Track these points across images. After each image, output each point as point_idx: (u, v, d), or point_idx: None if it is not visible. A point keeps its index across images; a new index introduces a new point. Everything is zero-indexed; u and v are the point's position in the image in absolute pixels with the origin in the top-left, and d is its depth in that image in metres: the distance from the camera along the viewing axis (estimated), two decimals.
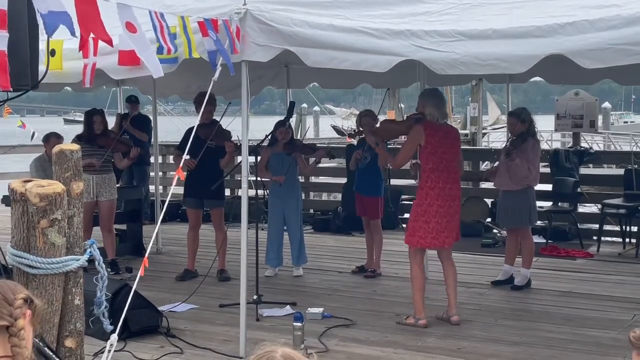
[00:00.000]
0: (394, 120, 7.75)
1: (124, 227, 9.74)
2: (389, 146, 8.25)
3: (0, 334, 2.24)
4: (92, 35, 4.63)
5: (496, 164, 8.12)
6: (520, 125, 7.71)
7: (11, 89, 3.92)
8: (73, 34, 4.33)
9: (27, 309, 2.29)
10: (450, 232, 6.46)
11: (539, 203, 9.60)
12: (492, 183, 8.34)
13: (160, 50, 5.45)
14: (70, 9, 4.22)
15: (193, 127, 6.67)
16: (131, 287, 5.11)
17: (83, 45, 5.44)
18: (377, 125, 7.93)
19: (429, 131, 6.39)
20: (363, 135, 8.21)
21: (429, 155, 6.39)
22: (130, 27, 4.79)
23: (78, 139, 8.38)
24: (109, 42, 4.75)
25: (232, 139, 8.00)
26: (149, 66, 5.10)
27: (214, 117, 8.15)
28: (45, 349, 2.70)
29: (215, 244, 8.30)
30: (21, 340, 2.24)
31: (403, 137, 7.65)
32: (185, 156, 5.53)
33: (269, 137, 8.16)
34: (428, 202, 6.37)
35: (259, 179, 7.22)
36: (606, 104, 29.74)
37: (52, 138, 8.47)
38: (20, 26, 3.91)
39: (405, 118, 7.43)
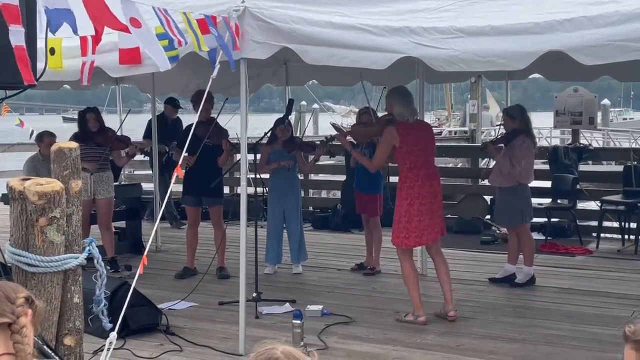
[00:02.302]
0: (365, 123, 7.72)
1: (123, 225, 9.74)
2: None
3: (2, 331, 2.26)
4: (106, 28, 4.62)
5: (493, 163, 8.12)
6: (511, 122, 7.69)
7: (35, 83, 3.92)
8: (75, 32, 4.33)
9: (28, 308, 2.32)
10: (433, 228, 6.43)
11: (538, 200, 9.59)
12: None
13: (171, 44, 5.42)
14: (73, 7, 4.21)
15: (191, 125, 6.65)
16: (130, 285, 5.11)
17: (98, 40, 5.43)
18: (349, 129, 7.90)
19: (402, 131, 6.35)
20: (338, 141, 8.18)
21: (405, 154, 6.36)
22: (135, 22, 4.78)
23: (75, 137, 8.28)
24: (125, 29, 4.73)
25: (231, 137, 8.00)
26: (156, 59, 5.08)
27: (211, 115, 8.14)
28: (45, 347, 2.71)
29: (214, 242, 8.30)
30: (23, 337, 2.26)
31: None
32: (184, 154, 5.52)
33: (268, 134, 8.16)
34: (409, 202, 6.34)
35: (258, 176, 7.21)
36: (605, 101, 29.72)
37: (46, 137, 8.42)
38: None
39: (375, 120, 7.41)
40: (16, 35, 3.66)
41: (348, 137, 7.50)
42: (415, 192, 6.33)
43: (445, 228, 6.72)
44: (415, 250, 7.12)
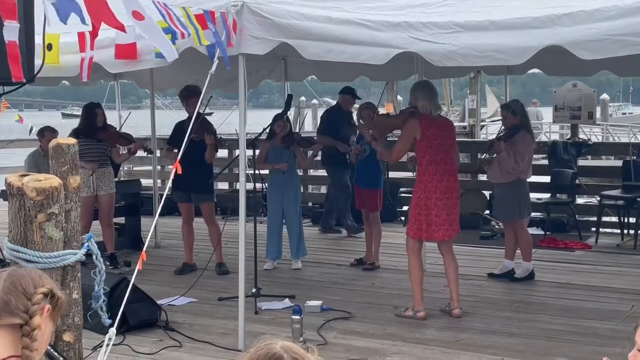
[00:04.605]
0: (388, 114, 7.72)
1: (122, 220, 9.73)
2: (387, 139, 8.23)
3: (14, 331, 2.13)
4: (103, 23, 4.63)
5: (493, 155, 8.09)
6: (512, 118, 7.68)
7: (24, 80, 3.91)
8: (83, 21, 4.34)
9: (46, 303, 2.17)
10: (450, 225, 6.45)
11: (537, 195, 9.58)
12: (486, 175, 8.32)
13: (174, 37, 5.40)
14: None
15: (181, 122, 6.58)
16: (129, 281, 5.10)
17: (94, 35, 5.42)
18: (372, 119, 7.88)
19: (424, 124, 6.37)
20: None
21: (426, 148, 6.38)
22: (138, 15, 4.76)
23: (76, 133, 8.25)
24: (121, 27, 4.72)
25: (230, 132, 7.97)
26: (163, 51, 5.07)
27: (198, 110, 8.07)
28: (49, 348, 2.65)
29: (210, 239, 8.27)
30: (33, 341, 2.12)
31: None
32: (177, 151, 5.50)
33: (267, 130, 8.15)
34: (426, 195, 6.37)
35: (257, 172, 7.20)
36: (604, 96, 29.70)
37: (47, 132, 8.43)
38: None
39: (399, 112, 7.43)
40: (10, 31, 3.65)
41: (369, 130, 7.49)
42: (433, 186, 6.36)
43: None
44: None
